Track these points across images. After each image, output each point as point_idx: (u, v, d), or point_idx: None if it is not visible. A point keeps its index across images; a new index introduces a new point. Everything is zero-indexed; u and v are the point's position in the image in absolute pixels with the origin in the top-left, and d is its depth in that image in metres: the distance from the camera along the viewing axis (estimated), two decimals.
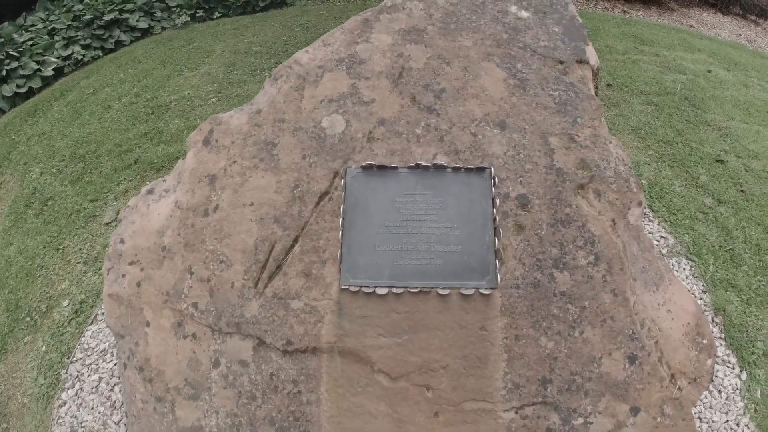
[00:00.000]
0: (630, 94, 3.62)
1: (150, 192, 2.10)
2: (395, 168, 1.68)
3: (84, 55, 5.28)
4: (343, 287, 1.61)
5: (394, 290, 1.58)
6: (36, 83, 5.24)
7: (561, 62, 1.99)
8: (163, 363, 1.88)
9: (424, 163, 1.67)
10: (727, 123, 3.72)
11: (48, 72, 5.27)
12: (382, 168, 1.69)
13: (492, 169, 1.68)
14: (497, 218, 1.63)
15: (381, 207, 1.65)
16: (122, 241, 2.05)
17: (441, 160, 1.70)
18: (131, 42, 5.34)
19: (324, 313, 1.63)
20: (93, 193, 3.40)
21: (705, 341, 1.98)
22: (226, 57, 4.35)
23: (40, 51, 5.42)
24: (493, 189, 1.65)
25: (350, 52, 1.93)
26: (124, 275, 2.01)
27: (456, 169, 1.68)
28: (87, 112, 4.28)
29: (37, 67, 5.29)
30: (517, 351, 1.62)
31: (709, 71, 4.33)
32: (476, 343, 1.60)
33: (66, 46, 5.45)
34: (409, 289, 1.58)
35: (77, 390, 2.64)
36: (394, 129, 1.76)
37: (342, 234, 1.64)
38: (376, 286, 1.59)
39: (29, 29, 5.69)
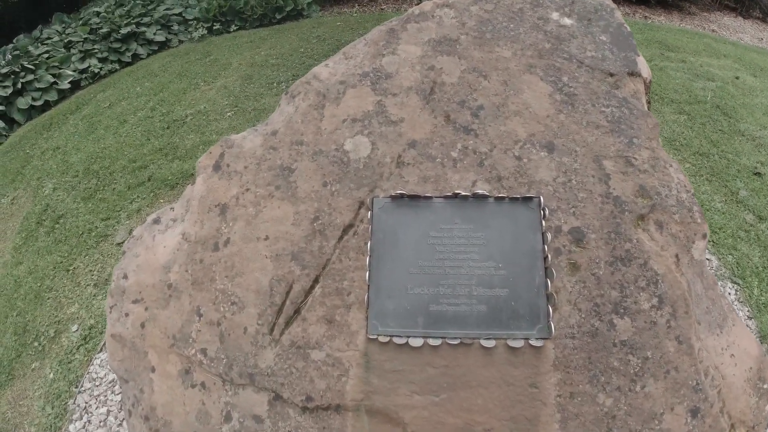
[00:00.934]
0: (661, 103, 3.30)
1: (156, 221, 1.85)
2: (429, 198, 1.40)
3: (101, 69, 5.09)
4: (371, 337, 1.33)
5: (431, 341, 1.30)
6: (52, 96, 5.06)
7: (611, 75, 1.70)
8: (169, 413, 1.62)
9: (463, 192, 1.39)
10: (761, 132, 3.38)
11: (64, 85, 5.09)
12: (413, 198, 1.41)
13: (541, 198, 1.39)
14: (548, 256, 1.34)
15: (413, 243, 1.37)
16: (125, 277, 1.80)
17: (481, 189, 1.42)
18: (148, 55, 5.14)
19: (349, 366, 1.36)
20: (105, 211, 3.18)
21: (766, 386, 1.67)
22: (242, 70, 4.12)
23: (56, 64, 5.24)
24: (543, 222, 1.37)
25: (375, 66, 1.66)
26: (127, 314, 1.76)
27: (499, 199, 1.39)
28: (102, 126, 4.07)
29: (53, 80, 5.11)
30: (571, 410, 1.33)
31: (737, 77, 3.99)
32: (525, 403, 1.31)
33: (82, 59, 5.27)
34: (447, 341, 1.30)
35: (85, 423, 2.40)
36: (426, 152, 1.48)
37: (369, 274, 1.37)
38: (409, 336, 1.31)
39: (45, 42, 5.52)
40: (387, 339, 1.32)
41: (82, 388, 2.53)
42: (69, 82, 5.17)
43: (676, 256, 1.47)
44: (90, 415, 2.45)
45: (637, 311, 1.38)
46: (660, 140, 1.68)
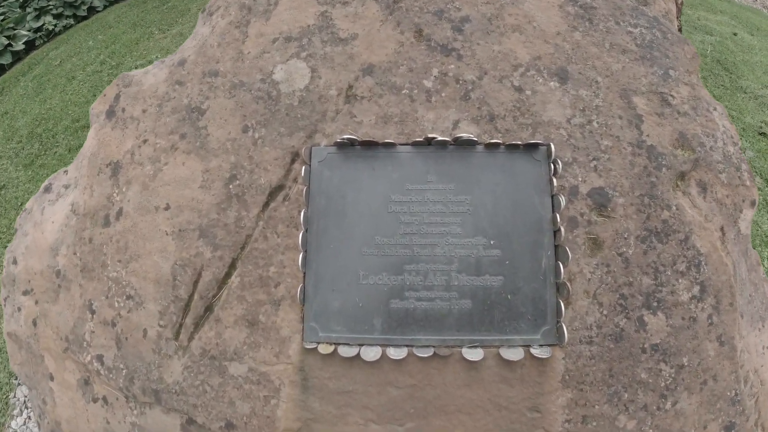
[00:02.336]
0: None
1: (47, 189, 1.30)
2: (391, 145, 0.88)
3: (55, 25, 4.27)
4: (308, 346, 0.85)
5: (392, 352, 0.83)
6: (6, 59, 4.24)
7: None
8: (75, 430, 1.16)
9: (440, 137, 0.87)
10: (763, 91, 2.88)
11: (19, 46, 4.26)
12: (369, 145, 0.89)
13: (552, 146, 0.88)
14: (561, 229, 0.85)
15: (368, 211, 0.86)
16: (15, 262, 1.27)
17: (467, 132, 0.90)
18: (105, 7, 4.32)
19: (280, 384, 0.88)
20: (45, 178, 2.57)
21: None
22: None
23: (11, 25, 4.38)
24: (555, 180, 0.87)
25: None
26: (19, 309, 1.24)
27: (492, 147, 0.88)
28: (50, 86, 3.37)
29: (7, 42, 4.28)
30: None
31: (735, 34, 3.44)
32: None
33: (37, 18, 4.41)
34: (415, 351, 0.83)
35: (25, 419, 1.95)
36: (388, 81, 0.94)
37: (305, 257, 0.87)
38: (361, 345, 0.83)
39: (2, 4, 4.62)
40: (331, 349, 0.84)
41: (21, 380, 2.05)
42: (23, 43, 4.34)
43: (722, 229, 1.00)
44: (29, 410, 1.99)
45: (674, 304, 0.92)
46: (699, 76, 1.17)
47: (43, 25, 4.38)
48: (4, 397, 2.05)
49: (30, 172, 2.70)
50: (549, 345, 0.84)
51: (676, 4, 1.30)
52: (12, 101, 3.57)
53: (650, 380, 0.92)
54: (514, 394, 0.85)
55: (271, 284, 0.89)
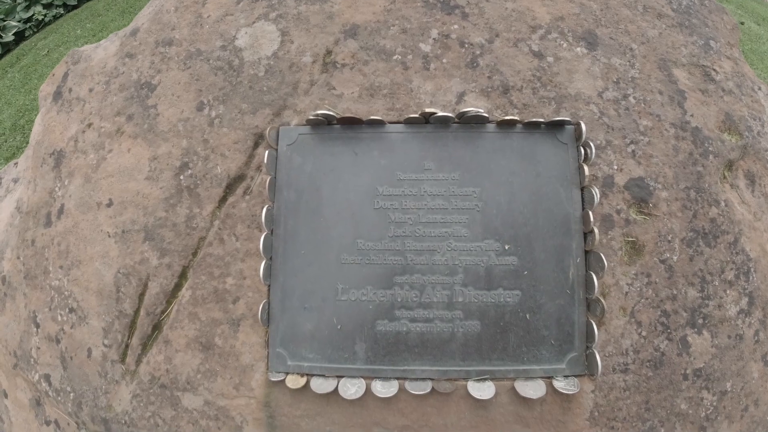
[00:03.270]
0: None
1: None
2: (379, 123, 0.65)
3: (45, 15, 4.01)
4: (273, 378, 0.63)
5: (378, 389, 0.60)
6: None
7: None
8: None
9: (440, 112, 0.64)
10: None
11: (9, 38, 4.01)
12: (350, 123, 0.66)
13: (582, 124, 0.65)
14: (594, 230, 0.63)
15: (349, 207, 0.64)
16: None
17: (474, 106, 0.67)
18: None
19: (242, 421, 0.66)
20: None
21: None
22: None
23: (1, 17, 4.12)
24: (586, 167, 0.64)
25: None
26: None
27: (506, 125, 0.65)
28: (36, 76, 3.13)
29: None
30: None
31: (742, 23, 3.21)
32: None
33: (27, 8, 4.15)
34: (408, 387, 0.61)
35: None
36: (375, 44, 0.71)
37: (269, 266, 0.64)
38: (339, 377, 0.61)
39: None
40: (302, 382, 0.62)
41: None
42: (13, 34, 4.09)
43: None
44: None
45: (721, 320, 0.70)
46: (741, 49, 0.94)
47: (33, 15, 4.12)
48: None
49: None
50: (576, 375, 0.62)
51: None
52: None
53: (690, 411, 0.70)
54: None
55: (229, 299, 0.66)
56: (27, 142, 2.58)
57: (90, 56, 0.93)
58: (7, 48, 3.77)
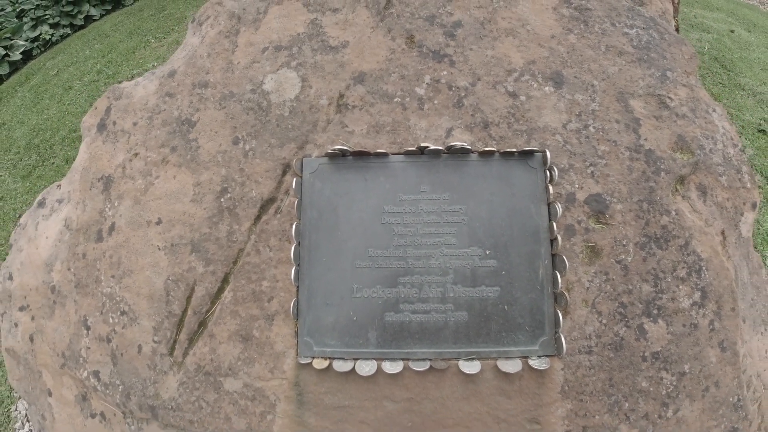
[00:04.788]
0: None
1: (41, 204, 1.29)
2: (383, 155, 0.87)
3: (52, 35, 4.27)
4: (302, 361, 0.83)
5: (387, 366, 0.81)
6: (4, 69, 4.25)
7: None
8: None
9: (433, 146, 0.85)
10: (761, 88, 2.85)
11: (16, 56, 4.27)
12: (361, 155, 0.87)
13: (547, 152, 0.86)
14: (558, 237, 0.83)
15: (361, 223, 0.85)
16: (10, 277, 1.26)
17: (460, 140, 0.88)
18: (101, 16, 4.32)
19: (275, 400, 0.87)
20: (42, 190, 2.57)
21: None
22: None
23: (8, 35, 4.39)
24: (551, 187, 0.85)
25: None
26: (16, 324, 1.23)
27: (486, 155, 0.86)
28: (48, 96, 3.37)
29: (4, 52, 4.29)
30: None
31: (732, 31, 3.40)
32: None
33: (34, 27, 4.42)
34: (411, 365, 0.81)
35: (29, 431, 1.94)
36: (380, 89, 0.93)
37: (298, 271, 0.85)
38: (356, 359, 0.82)
39: None
40: (325, 364, 0.82)
41: (20, 395, 2.04)
42: (21, 53, 4.35)
43: (722, 233, 0.98)
44: (30, 423, 1.99)
45: (675, 311, 0.90)
46: (698, 76, 1.15)
47: (40, 34, 4.38)
48: (6, 410, 2.04)
49: (27, 184, 2.70)
50: (547, 356, 0.82)
51: (673, 3, 1.28)
52: (9, 112, 3.57)
53: (651, 389, 0.90)
54: (513, 407, 0.83)
55: (264, 299, 0.87)
56: (42, 162, 2.82)
57: (131, 93, 1.15)
58: (15, 67, 4.04)
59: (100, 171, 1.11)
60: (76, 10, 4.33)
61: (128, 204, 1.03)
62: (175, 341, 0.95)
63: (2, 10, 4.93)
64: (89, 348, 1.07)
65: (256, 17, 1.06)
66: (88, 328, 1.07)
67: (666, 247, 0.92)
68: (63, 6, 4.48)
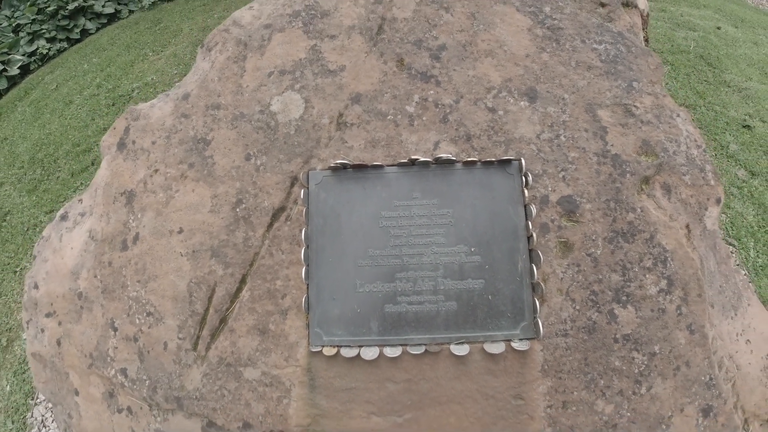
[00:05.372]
0: None
1: (63, 218, 1.43)
2: (379, 167, 1.01)
3: (49, 49, 4.42)
4: (313, 350, 0.98)
5: (388, 351, 0.95)
6: (2, 84, 4.40)
7: (602, 5, 1.28)
8: None
9: (422, 158, 1.00)
10: (746, 84, 3.00)
11: (14, 71, 4.42)
12: (359, 168, 1.02)
13: (522, 161, 1.01)
14: (533, 235, 0.98)
15: (361, 227, 0.99)
16: (36, 286, 1.40)
17: (446, 152, 1.03)
18: (97, 30, 4.47)
19: (290, 385, 1.01)
20: (49, 203, 2.72)
21: None
22: (193, 35, 3.54)
23: (5, 50, 4.55)
24: (526, 191, 0.99)
25: (308, 2, 1.21)
26: (43, 330, 1.37)
27: (469, 164, 1.01)
28: (48, 110, 3.51)
29: (2, 67, 4.44)
30: (564, 422, 1.01)
31: (719, 28, 3.56)
32: (509, 418, 0.99)
33: (31, 42, 4.57)
34: (408, 349, 0.95)
35: None
36: (374, 108, 1.07)
37: (307, 270, 0.99)
38: (361, 346, 0.96)
39: None
40: (334, 351, 0.97)
41: (38, 400, 2.18)
42: (18, 68, 4.50)
43: (687, 226, 1.13)
44: (47, 429, 2.12)
45: (643, 297, 1.05)
46: (664, 85, 1.30)
47: (37, 49, 4.53)
48: (21, 417, 2.18)
49: (34, 198, 2.84)
50: (528, 338, 0.96)
51: (642, 16, 1.43)
52: (11, 127, 3.72)
53: (624, 367, 1.04)
54: (499, 384, 0.97)
55: (278, 296, 1.02)
56: (47, 176, 2.96)
57: (148, 114, 1.30)
58: (13, 81, 4.19)
59: (123, 186, 1.25)
60: (72, 24, 4.49)
61: (151, 215, 1.17)
62: (198, 337, 1.09)
63: None
64: (116, 348, 1.21)
65: (261, 44, 1.21)
66: (115, 330, 1.21)
67: (632, 241, 1.06)
68: (59, 20, 4.64)
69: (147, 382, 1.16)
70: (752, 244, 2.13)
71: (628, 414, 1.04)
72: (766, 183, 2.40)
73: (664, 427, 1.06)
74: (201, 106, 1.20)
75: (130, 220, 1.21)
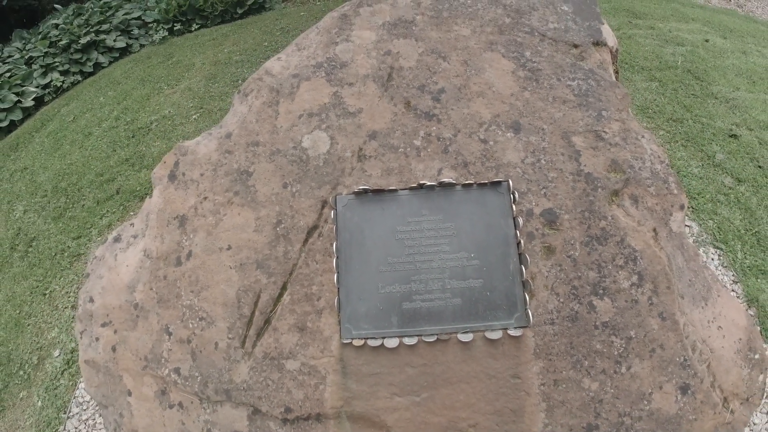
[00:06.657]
0: (631, 71, 3.23)
1: (117, 240, 1.74)
2: (394, 191, 1.32)
3: (63, 82, 4.86)
4: (344, 341, 1.26)
5: (406, 340, 1.23)
6: (17, 115, 4.83)
7: (575, 46, 1.61)
8: None
9: (428, 182, 1.31)
10: (734, 94, 3.33)
11: (28, 103, 4.85)
12: (378, 192, 1.32)
13: (510, 182, 1.31)
14: (521, 242, 1.27)
15: (381, 239, 1.29)
16: (91, 300, 1.69)
17: (448, 177, 1.34)
18: (110, 63, 4.92)
19: (326, 373, 1.29)
20: (76, 230, 3.04)
21: (757, 356, 1.64)
22: (206, 69, 3.94)
23: (18, 82, 4.99)
24: (514, 206, 1.29)
25: (329, 55, 1.55)
26: (97, 339, 1.66)
27: (467, 186, 1.31)
28: (68, 142, 3.89)
29: (16, 99, 4.88)
30: (557, 398, 1.28)
31: (707, 40, 3.92)
32: (509, 395, 1.26)
33: (44, 74, 5.02)
34: (423, 338, 1.23)
35: None
36: (388, 143, 1.39)
37: (338, 276, 1.28)
38: (384, 338, 1.24)
39: (6, 61, 5.25)
40: (361, 342, 1.25)
41: (70, 414, 2.44)
42: (32, 99, 4.93)
43: (654, 230, 1.41)
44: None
45: (617, 291, 1.33)
46: (630, 110, 1.61)
47: (51, 81, 4.98)
48: (53, 431, 2.44)
49: (60, 224, 3.17)
50: (521, 327, 1.24)
51: (611, 52, 1.76)
52: (30, 157, 4.09)
53: (605, 350, 1.31)
54: (499, 365, 1.24)
55: (314, 298, 1.31)
56: (72, 204, 3.30)
57: (195, 150, 1.62)
58: (28, 113, 4.61)
59: (175, 211, 1.56)
60: (84, 58, 4.95)
61: (202, 236, 1.48)
62: (245, 336, 1.38)
63: (10, 57, 5.58)
64: (171, 350, 1.49)
65: (291, 90, 1.54)
66: (169, 334, 1.49)
67: (606, 244, 1.35)
68: (72, 54, 5.10)
69: (198, 378, 1.44)
70: (739, 246, 2.40)
71: (612, 390, 1.30)
72: (752, 188, 2.69)
73: (645, 402, 1.32)
74: (242, 143, 1.52)
75: (183, 240, 1.51)
